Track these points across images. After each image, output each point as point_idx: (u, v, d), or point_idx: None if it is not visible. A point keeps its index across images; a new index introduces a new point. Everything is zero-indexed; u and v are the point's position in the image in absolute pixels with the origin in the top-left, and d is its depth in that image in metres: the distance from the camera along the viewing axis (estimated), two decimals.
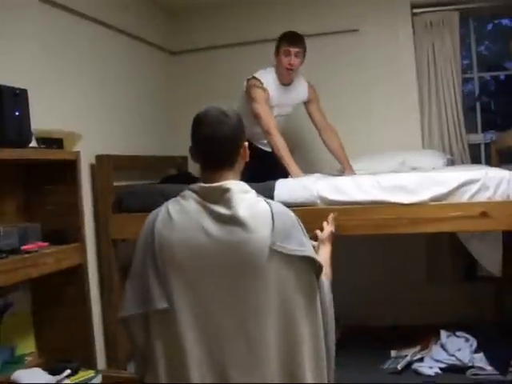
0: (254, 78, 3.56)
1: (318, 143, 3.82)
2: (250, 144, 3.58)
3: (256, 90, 3.54)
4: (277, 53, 3.58)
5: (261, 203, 1.74)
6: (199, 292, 1.67)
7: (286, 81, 3.66)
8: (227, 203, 1.68)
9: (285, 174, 3.50)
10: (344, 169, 3.69)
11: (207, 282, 1.67)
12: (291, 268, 1.68)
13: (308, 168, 3.75)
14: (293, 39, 3.54)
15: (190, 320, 1.66)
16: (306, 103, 3.82)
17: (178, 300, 1.67)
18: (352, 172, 3.61)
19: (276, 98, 3.60)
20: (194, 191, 1.74)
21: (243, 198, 1.72)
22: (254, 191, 1.79)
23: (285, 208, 1.78)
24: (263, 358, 1.65)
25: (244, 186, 1.78)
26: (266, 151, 3.77)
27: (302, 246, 1.71)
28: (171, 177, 4.03)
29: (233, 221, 1.66)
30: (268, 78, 3.59)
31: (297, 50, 3.54)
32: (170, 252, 1.69)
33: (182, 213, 1.72)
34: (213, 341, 1.67)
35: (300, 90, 3.75)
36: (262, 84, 3.54)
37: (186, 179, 3.71)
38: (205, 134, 1.76)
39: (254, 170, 3.52)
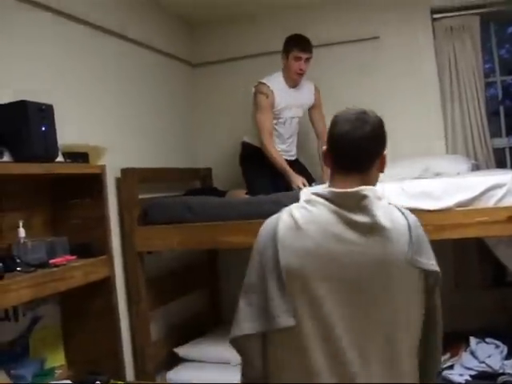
0: (260, 82, 3.63)
1: None
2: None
3: (260, 97, 3.60)
4: (286, 57, 3.63)
5: (396, 212, 1.62)
6: (326, 308, 1.52)
7: (293, 83, 3.71)
8: (365, 211, 1.55)
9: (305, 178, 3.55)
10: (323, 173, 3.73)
11: (336, 296, 1.52)
12: (421, 280, 1.58)
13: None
14: (304, 45, 3.60)
15: (316, 338, 1.51)
16: (310, 108, 3.87)
17: (303, 317, 1.52)
18: None
19: (284, 100, 3.63)
20: (323, 197, 1.60)
21: (379, 205, 1.58)
22: (386, 197, 1.66)
23: (416, 218, 1.65)
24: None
25: (377, 192, 1.62)
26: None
27: (432, 259, 1.61)
28: (196, 190, 4.06)
29: (374, 229, 1.54)
30: (274, 81, 3.65)
31: (308, 55, 3.61)
32: (297, 263, 1.53)
33: (311, 220, 1.57)
34: (342, 363, 1.52)
35: (307, 92, 3.80)
36: (267, 87, 3.59)
37: (210, 193, 3.78)
38: (342, 132, 1.62)
39: (272, 178, 3.59)
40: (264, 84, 3.62)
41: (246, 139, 3.86)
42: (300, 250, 1.55)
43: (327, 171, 3.66)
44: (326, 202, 1.58)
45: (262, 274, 1.58)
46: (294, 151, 3.93)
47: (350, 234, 1.53)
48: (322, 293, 1.52)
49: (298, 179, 3.45)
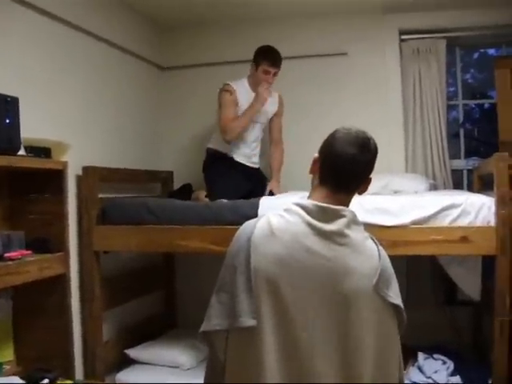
0: (225, 84, 3.69)
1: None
2: (230, 158, 3.70)
3: (223, 94, 3.69)
4: (255, 67, 3.68)
5: (369, 240, 1.69)
6: (290, 315, 1.57)
7: None
8: (340, 228, 1.61)
9: (264, 189, 3.59)
10: (271, 178, 3.89)
11: (301, 305, 1.57)
12: (385, 313, 1.62)
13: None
14: (275, 60, 3.65)
15: (274, 342, 1.56)
16: (272, 116, 3.93)
17: (265, 319, 1.57)
18: (276, 184, 3.82)
19: (247, 102, 3.65)
20: (302, 207, 1.65)
21: (354, 228, 1.64)
22: (362, 225, 1.71)
23: (386, 253, 1.70)
24: None
25: (356, 217, 1.68)
26: (246, 165, 3.87)
27: (398, 295, 1.66)
28: (177, 191, 4.10)
29: (345, 247, 1.60)
30: (239, 84, 3.72)
31: (276, 70, 3.66)
32: (267, 268, 1.58)
33: (286, 228, 1.62)
34: (296, 368, 1.57)
35: (271, 100, 3.84)
36: (231, 87, 3.66)
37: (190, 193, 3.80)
38: (345, 153, 1.66)
39: (234, 184, 3.62)
40: (228, 84, 3.69)
41: (211, 145, 3.88)
42: (271, 257, 1.60)
43: (277, 171, 3.76)
44: (303, 213, 1.63)
45: (233, 275, 1.62)
46: (256, 159, 3.97)
47: (321, 247, 1.59)
48: (287, 300, 1.57)
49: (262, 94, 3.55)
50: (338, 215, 1.63)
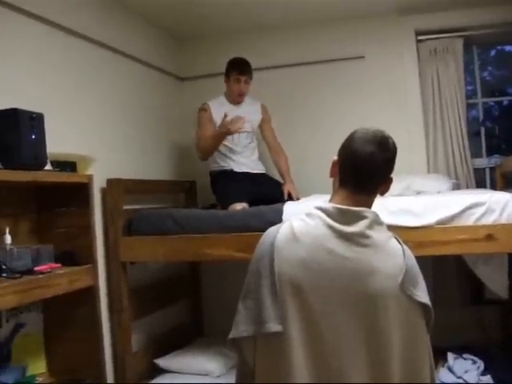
0: (203, 103, 3.84)
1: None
2: (230, 171, 3.74)
3: (200, 114, 3.83)
4: (227, 79, 3.82)
5: (393, 239, 1.68)
6: (315, 317, 1.58)
7: (236, 102, 3.87)
8: (362, 230, 1.61)
9: (278, 191, 3.70)
10: (284, 182, 3.89)
11: (325, 308, 1.58)
12: (412, 312, 1.61)
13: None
14: (242, 68, 3.78)
15: (302, 346, 1.57)
16: (260, 124, 3.99)
17: (292, 324, 1.58)
18: (291, 186, 3.83)
19: (229, 113, 3.60)
20: (323, 211, 1.65)
21: (377, 228, 1.64)
22: (385, 224, 1.71)
23: (411, 252, 1.70)
24: None
25: (379, 218, 1.68)
26: (249, 173, 3.91)
27: (425, 293, 1.65)
28: (210, 206, 4.09)
29: (367, 248, 1.60)
30: (215, 101, 3.84)
31: (246, 77, 3.78)
32: (290, 272, 1.60)
33: (307, 232, 1.63)
34: (325, 370, 1.57)
35: (253, 108, 3.94)
36: (207, 104, 3.80)
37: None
38: (364, 153, 1.66)
39: (242, 188, 3.64)
40: (205, 103, 3.84)
41: (211, 168, 3.96)
42: (294, 261, 1.61)
43: (287, 174, 3.70)
44: (324, 216, 1.64)
45: (258, 281, 1.64)
46: (259, 165, 4.01)
47: (343, 249, 1.59)
48: (312, 303, 1.58)
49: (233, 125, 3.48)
50: (359, 217, 1.63)
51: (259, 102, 4.01)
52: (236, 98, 3.85)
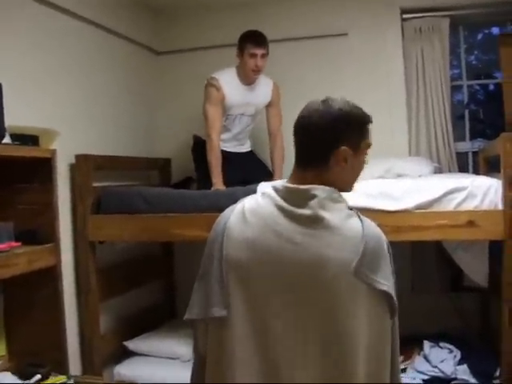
0: (212, 77, 3.52)
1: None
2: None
3: (209, 90, 3.52)
4: (241, 54, 3.51)
5: (354, 219, 1.49)
6: (260, 302, 1.48)
7: (249, 81, 3.60)
8: (312, 210, 1.45)
9: (264, 172, 3.57)
10: (274, 175, 3.69)
11: (271, 292, 1.47)
12: (373, 303, 1.45)
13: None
14: (258, 40, 3.47)
15: (246, 331, 1.48)
16: (267, 105, 3.77)
17: (235, 308, 1.49)
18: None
19: (235, 98, 3.53)
20: (276, 190, 1.53)
21: (332, 207, 1.47)
22: (346, 202, 1.53)
23: (378, 230, 1.52)
24: None
25: (334, 193, 1.50)
26: (235, 153, 3.78)
27: (388, 280, 1.47)
28: (181, 182, 4.05)
29: (317, 228, 1.44)
30: (227, 78, 3.54)
31: (263, 51, 3.48)
32: (238, 254, 1.50)
33: (257, 212, 1.52)
34: (270, 359, 1.46)
35: (264, 89, 3.70)
36: (217, 82, 3.49)
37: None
38: (298, 123, 1.55)
39: (226, 176, 3.51)
40: (215, 78, 3.51)
41: (198, 133, 3.77)
42: (241, 242, 1.51)
43: (279, 168, 3.64)
44: (275, 195, 1.52)
45: (210, 263, 1.56)
46: (246, 143, 3.90)
47: (291, 231, 1.46)
48: (257, 287, 1.48)
49: (217, 185, 3.37)
50: (307, 196, 1.47)
51: (272, 80, 3.75)
52: (250, 75, 3.55)
